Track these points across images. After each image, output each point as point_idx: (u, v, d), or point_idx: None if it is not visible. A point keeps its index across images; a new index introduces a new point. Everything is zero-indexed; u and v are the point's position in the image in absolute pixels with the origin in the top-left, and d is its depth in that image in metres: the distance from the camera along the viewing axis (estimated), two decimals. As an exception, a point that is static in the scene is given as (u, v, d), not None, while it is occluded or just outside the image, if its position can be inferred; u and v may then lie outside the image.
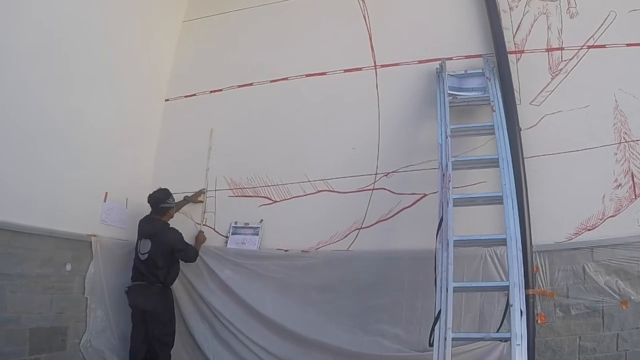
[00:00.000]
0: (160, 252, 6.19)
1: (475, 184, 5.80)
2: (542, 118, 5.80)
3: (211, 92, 7.61)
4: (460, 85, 6.16)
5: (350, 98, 6.79)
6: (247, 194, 7.00)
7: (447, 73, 6.08)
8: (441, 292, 4.77)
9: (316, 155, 6.76)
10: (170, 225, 6.49)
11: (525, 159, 5.61)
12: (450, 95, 5.90)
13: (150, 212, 6.50)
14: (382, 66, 6.70)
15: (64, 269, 5.97)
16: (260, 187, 6.95)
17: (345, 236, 6.33)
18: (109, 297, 6.44)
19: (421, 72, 6.48)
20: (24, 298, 5.47)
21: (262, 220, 6.81)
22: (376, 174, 6.36)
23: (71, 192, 6.11)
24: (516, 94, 5.88)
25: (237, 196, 6.98)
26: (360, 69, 6.79)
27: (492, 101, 5.68)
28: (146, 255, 6.19)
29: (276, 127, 7.09)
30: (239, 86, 7.46)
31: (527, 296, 5.07)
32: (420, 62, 6.49)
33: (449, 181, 5.18)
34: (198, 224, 7.09)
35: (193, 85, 7.77)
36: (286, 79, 7.17)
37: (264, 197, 6.91)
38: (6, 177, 5.29)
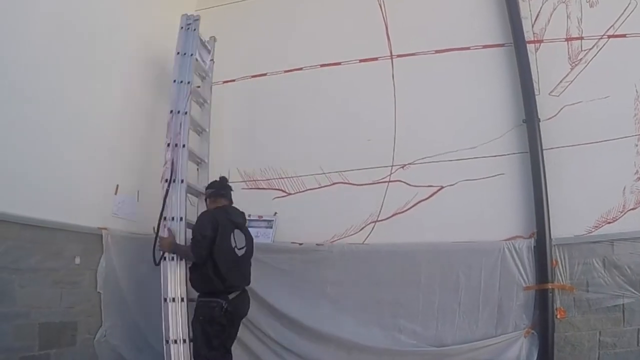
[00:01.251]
0: (252, 245, 5.76)
1: (493, 176, 5.93)
2: (561, 109, 5.86)
3: (224, 82, 7.67)
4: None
5: (366, 88, 6.85)
6: (261, 187, 7.08)
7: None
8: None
9: (331, 147, 6.82)
10: None
11: (544, 151, 5.67)
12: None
13: (225, 200, 5.81)
14: (398, 56, 6.75)
15: (73, 263, 6.01)
16: (274, 179, 7.04)
17: (361, 229, 6.41)
18: (127, 292, 6.48)
19: (438, 62, 6.53)
20: (34, 292, 5.51)
21: (275, 213, 6.87)
22: (392, 165, 6.43)
23: (81, 185, 6.16)
24: (535, 85, 5.94)
25: (250, 188, 7.04)
26: (376, 58, 6.84)
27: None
28: (244, 250, 5.59)
29: (290, 118, 7.19)
30: (253, 76, 7.53)
31: (546, 291, 5.29)
32: (437, 52, 6.54)
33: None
34: None
35: (207, 76, 7.82)
36: (301, 69, 7.23)
37: (278, 189, 6.98)
38: (15, 168, 5.35)
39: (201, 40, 6.98)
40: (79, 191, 6.11)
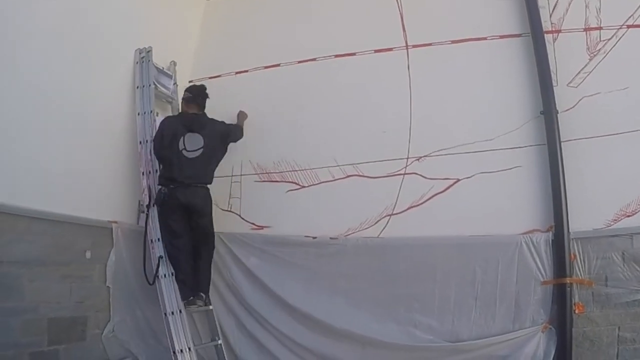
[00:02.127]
0: (216, 145, 6.43)
1: (510, 168, 5.96)
2: (579, 100, 5.85)
3: (236, 73, 7.71)
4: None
5: (381, 79, 6.84)
6: (274, 179, 7.09)
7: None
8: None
9: (345, 139, 6.79)
10: None
11: (562, 143, 5.69)
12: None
13: (188, 108, 6.66)
14: (414, 46, 6.76)
15: (83, 257, 6.05)
16: (287, 171, 7.04)
17: (376, 223, 6.41)
18: (136, 286, 6.52)
19: (454, 53, 6.54)
20: (43, 287, 5.55)
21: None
22: (407, 158, 6.43)
23: (91, 177, 6.21)
24: (553, 75, 5.94)
25: (263, 181, 7.07)
26: (391, 49, 6.85)
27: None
28: (198, 152, 6.27)
29: (304, 109, 7.16)
30: (266, 67, 7.56)
31: (564, 285, 5.31)
32: (453, 42, 6.55)
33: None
34: (223, 209, 7.18)
35: (218, 66, 7.86)
36: (314, 59, 7.25)
37: (292, 182, 6.99)
38: (24, 161, 5.40)
39: (158, 68, 7.20)
40: (89, 184, 6.16)
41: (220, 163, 6.75)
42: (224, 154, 6.65)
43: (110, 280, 6.35)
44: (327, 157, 6.83)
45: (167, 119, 6.69)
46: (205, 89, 6.74)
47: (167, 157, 6.29)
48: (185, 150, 6.26)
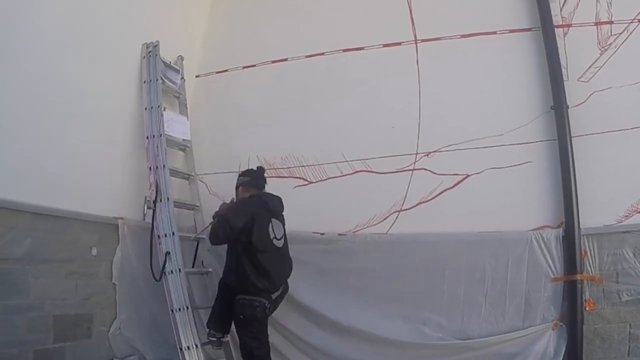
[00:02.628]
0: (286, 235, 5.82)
1: (520, 164, 5.97)
2: (590, 95, 5.86)
3: (244, 67, 7.75)
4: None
5: (390, 74, 6.85)
6: (282, 175, 7.13)
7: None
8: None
9: (354, 134, 6.82)
10: None
11: (573, 138, 5.70)
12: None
13: (260, 190, 6.00)
14: (422, 41, 6.76)
15: (89, 254, 6.08)
16: (295, 167, 7.08)
17: (385, 219, 6.44)
18: (143, 283, 6.53)
19: (464, 47, 6.55)
20: (48, 284, 5.58)
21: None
22: (416, 153, 6.45)
23: (97, 173, 6.24)
24: (563, 70, 5.95)
25: (270, 177, 6.94)
26: (400, 43, 6.86)
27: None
28: (282, 242, 5.76)
29: (312, 104, 7.20)
30: (273, 62, 7.59)
31: (574, 282, 5.33)
32: (462, 36, 6.56)
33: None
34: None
35: (225, 60, 7.91)
36: (322, 54, 7.28)
37: (299, 177, 7.03)
38: (29, 157, 5.43)
39: (166, 63, 7.25)
40: (95, 180, 6.18)
41: (227, 158, 7.00)
42: None
43: (116, 277, 6.38)
44: (335, 152, 6.86)
45: (248, 201, 5.89)
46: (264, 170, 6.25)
47: (262, 253, 5.53)
48: (276, 239, 5.68)
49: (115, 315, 6.40)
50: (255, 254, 5.44)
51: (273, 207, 5.76)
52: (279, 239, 5.67)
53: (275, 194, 5.98)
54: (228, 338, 6.19)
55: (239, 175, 6.18)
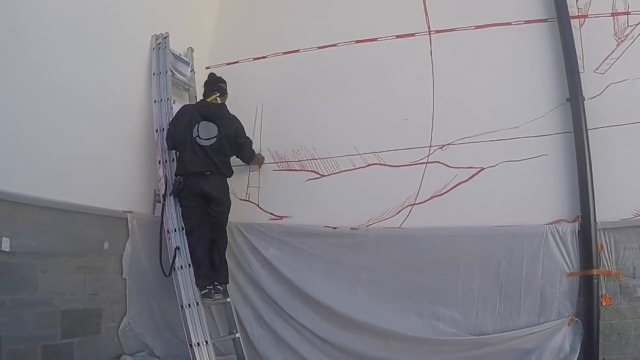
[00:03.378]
0: (227, 138, 6.45)
1: (536, 157, 5.99)
2: (607, 87, 5.87)
3: (255, 59, 7.81)
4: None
5: (403, 66, 6.89)
6: (294, 168, 7.19)
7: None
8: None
9: (367, 127, 6.86)
10: None
11: (589, 131, 5.71)
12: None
13: (205, 97, 6.78)
14: (437, 32, 6.79)
15: (98, 248, 6.13)
16: (307, 160, 7.13)
17: (398, 213, 6.47)
18: (153, 278, 6.59)
19: (478, 38, 6.57)
20: (56, 278, 5.61)
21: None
22: (430, 146, 6.47)
23: (106, 166, 6.28)
24: (579, 62, 5.95)
25: (282, 170, 7.14)
26: (413, 35, 6.89)
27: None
28: (212, 141, 6.35)
29: (324, 96, 7.24)
30: (285, 53, 7.64)
31: (591, 277, 5.35)
32: (477, 27, 6.58)
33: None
34: (241, 199, 7.25)
35: (235, 52, 7.96)
36: (335, 45, 7.32)
37: (311, 171, 7.07)
38: (36, 149, 5.47)
39: (176, 55, 7.31)
40: (104, 173, 6.24)
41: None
42: (233, 153, 6.71)
43: (126, 272, 6.43)
44: (348, 145, 6.89)
45: (183, 107, 6.77)
46: (220, 77, 6.92)
47: (180, 144, 6.40)
48: (199, 138, 6.35)
49: (125, 311, 6.44)
50: (177, 144, 6.43)
51: (205, 112, 6.52)
52: (204, 139, 6.35)
53: (220, 105, 6.71)
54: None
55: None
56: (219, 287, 6.30)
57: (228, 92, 6.85)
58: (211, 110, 6.54)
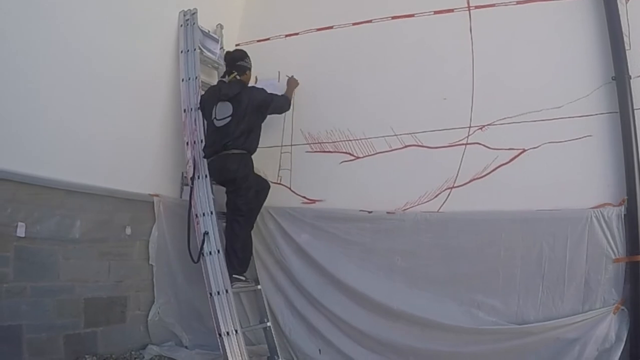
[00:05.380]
0: (245, 114, 6.50)
1: (580, 137, 6.00)
2: None
3: (286, 36, 7.94)
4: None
5: (441, 43, 6.90)
6: (327, 149, 7.29)
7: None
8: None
9: (403, 106, 6.91)
10: None
11: (635, 110, 5.73)
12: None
13: (224, 75, 6.84)
14: (476, 7, 6.82)
15: (123, 233, 6.29)
16: (341, 141, 7.23)
17: (436, 196, 6.53)
18: (178, 264, 6.76)
19: (520, 14, 6.58)
20: (79, 265, 5.78)
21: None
22: (470, 127, 6.53)
23: (131, 148, 6.45)
24: (625, 39, 5.96)
25: (315, 152, 7.28)
26: (452, 10, 6.93)
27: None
28: (226, 120, 6.46)
29: (359, 75, 7.29)
30: (318, 29, 7.76)
31: (637, 263, 5.40)
32: (518, 2, 6.60)
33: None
34: (272, 182, 7.30)
35: (266, 28, 8.10)
36: (370, 21, 7.40)
37: (345, 152, 7.17)
38: (59, 129, 5.64)
39: (204, 32, 7.46)
40: (129, 155, 6.41)
41: (268, 131, 7.05)
42: (260, 123, 6.77)
43: (153, 258, 6.63)
44: (384, 125, 6.96)
45: (208, 88, 6.99)
46: (241, 54, 6.96)
47: (207, 128, 6.69)
48: (216, 119, 6.53)
49: (152, 298, 6.62)
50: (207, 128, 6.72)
51: (221, 92, 6.61)
52: (219, 120, 6.50)
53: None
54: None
55: None
56: (234, 276, 6.37)
57: (251, 66, 6.99)
58: (223, 90, 6.62)
